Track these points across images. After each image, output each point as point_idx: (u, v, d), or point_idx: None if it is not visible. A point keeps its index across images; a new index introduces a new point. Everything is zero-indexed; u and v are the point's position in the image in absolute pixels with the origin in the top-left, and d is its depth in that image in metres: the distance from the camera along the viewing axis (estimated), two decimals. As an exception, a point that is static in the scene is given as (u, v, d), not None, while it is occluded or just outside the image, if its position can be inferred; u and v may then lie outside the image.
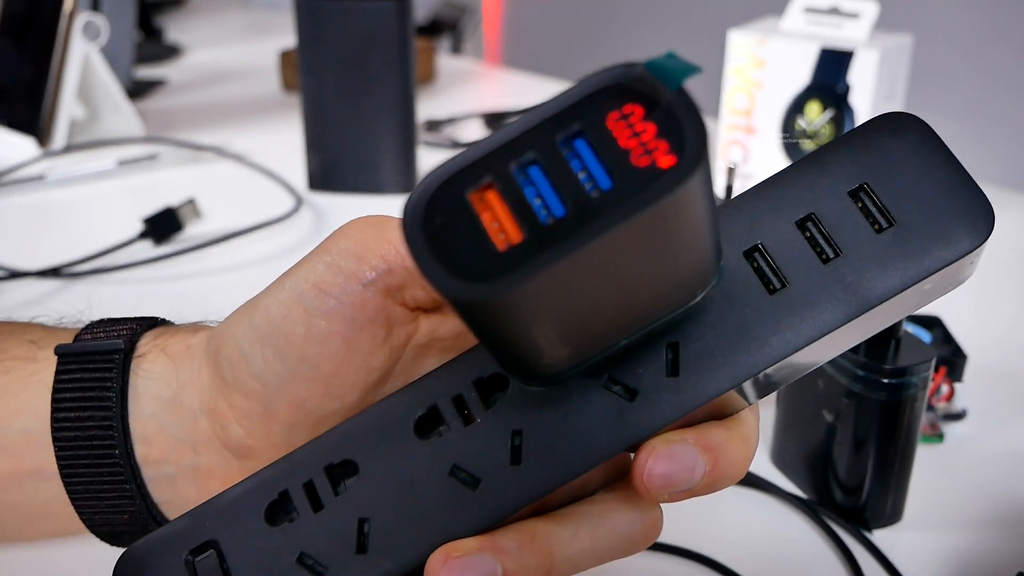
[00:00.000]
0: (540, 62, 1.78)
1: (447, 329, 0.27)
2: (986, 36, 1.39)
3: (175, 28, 1.36)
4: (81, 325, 0.31)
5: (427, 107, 0.99)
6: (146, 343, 0.30)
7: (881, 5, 0.71)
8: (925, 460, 0.44)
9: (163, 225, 0.67)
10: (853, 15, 0.71)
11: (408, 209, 0.18)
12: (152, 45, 1.23)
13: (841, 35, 0.70)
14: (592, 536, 0.24)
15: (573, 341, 0.21)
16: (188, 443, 0.28)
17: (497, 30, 2.14)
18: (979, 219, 0.23)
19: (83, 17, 0.83)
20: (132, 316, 0.31)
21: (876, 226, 0.23)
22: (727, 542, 0.39)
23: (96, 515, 0.29)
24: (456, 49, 1.98)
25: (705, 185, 0.18)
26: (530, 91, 1.09)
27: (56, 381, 0.28)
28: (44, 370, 0.29)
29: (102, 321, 0.31)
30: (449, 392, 0.24)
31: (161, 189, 0.77)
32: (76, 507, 0.28)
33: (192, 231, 0.69)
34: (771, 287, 0.23)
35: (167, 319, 0.32)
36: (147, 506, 0.28)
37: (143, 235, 0.66)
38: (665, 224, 0.18)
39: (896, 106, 0.73)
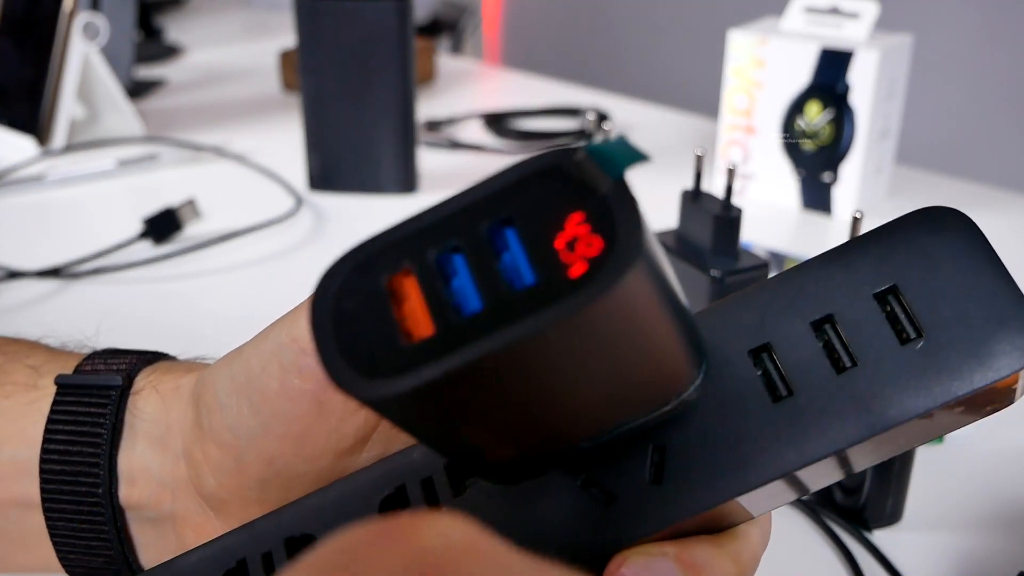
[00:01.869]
0: (540, 62, 1.78)
1: None
2: (986, 36, 1.39)
3: (175, 28, 1.36)
4: (85, 350, 0.31)
5: (427, 107, 0.99)
6: (142, 379, 0.29)
7: (881, 5, 0.71)
8: (925, 460, 0.44)
9: (163, 225, 0.67)
10: (853, 15, 0.71)
11: (319, 289, 0.17)
12: (152, 45, 1.23)
13: (841, 35, 0.70)
14: None
15: (515, 443, 0.19)
16: (168, 487, 0.28)
17: (497, 30, 2.14)
18: (1019, 341, 0.20)
19: (83, 17, 0.83)
20: (134, 349, 0.31)
21: (903, 335, 0.21)
22: (727, 542, 0.39)
23: (72, 554, 0.28)
24: (456, 49, 1.98)
25: (647, 284, 0.16)
26: (530, 91, 1.09)
27: (52, 411, 0.28)
28: (43, 399, 0.29)
29: (104, 352, 0.30)
30: (419, 474, 0.23)
31: (161, 189, 0.77)
32: (54, 543, 0.28)
33: (192, 231, 0.69)
34: (776, 394, 0.21)
35: (168, 354, 0.31)
36: (124, 551, 0.28)
37: (143, 235, 0.66)
38: (596, 327, 0.16)
39: (896, 106, 0.73)
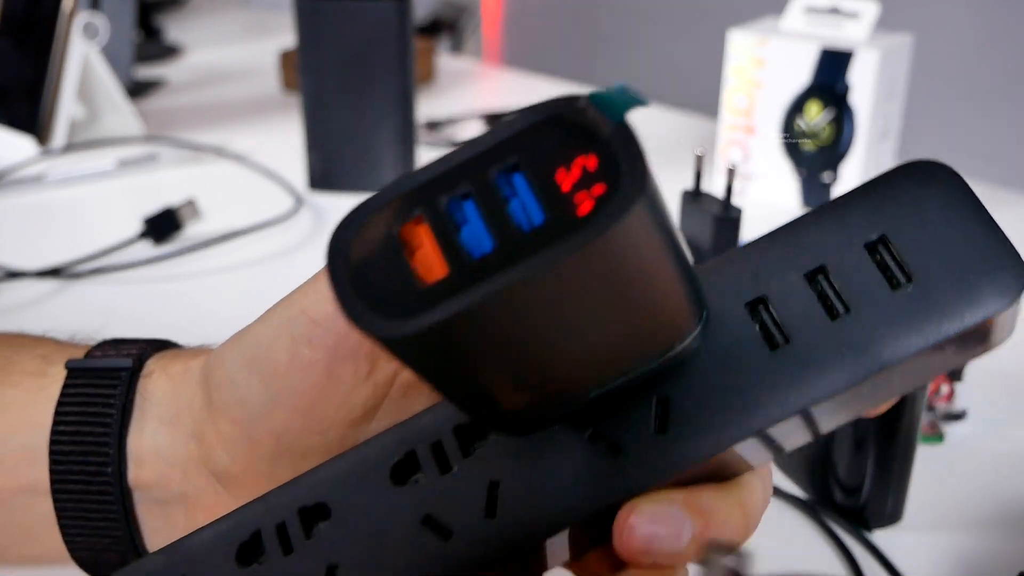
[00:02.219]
0: (540, 62, 1.78)
1: None
2: (986, 36, 1.39)
3: (175, 28, 1.36)
4: (93, 342, 0.31)
5: (427, 107, 0.99)
6: (152, 363, 0.29)
7: (881, 5, 0.71)
8: (925, 460, 0.44)
9: (163, 225, 0.67)
10: (853, 15, 0.71)
11: (333, 238, 0.17)
12: (152, 45, 1.23)
13: (841, 35, 0.70)
14: None
15: (528, 388, 0.20)
16: (178, 467, 0.28)
17: (497, 30, 2.14)
18: (1010, 276, 0.21)
19: (83, 17, 0.83)
20: (143, 338, 0.31)
21: (893, 282, 0.21)
22: (727, 542, 0.39)
23: (78, 537, 0.28)
24: (456, 49, 1.98)
25: (651, 223, 0.17)
26: (530, 91, 1.09)
27: (62, 395, 0.28)
28: (52, 385, 0.29)
29: (113, 340, 0.31)
30: (428, 438, 0.23)
31: (161, 189, 0.77)
32: (61, 526, 0.28)
33: (192, 231, 0.69)
34: (773, 342, 0.22)
35: (176, 342, 0.31)
36: (130, 533, 0.28)
37: (143, 235, 0.66)
38: (604, 264, 0.16)
39: (896, 106, 0.73)
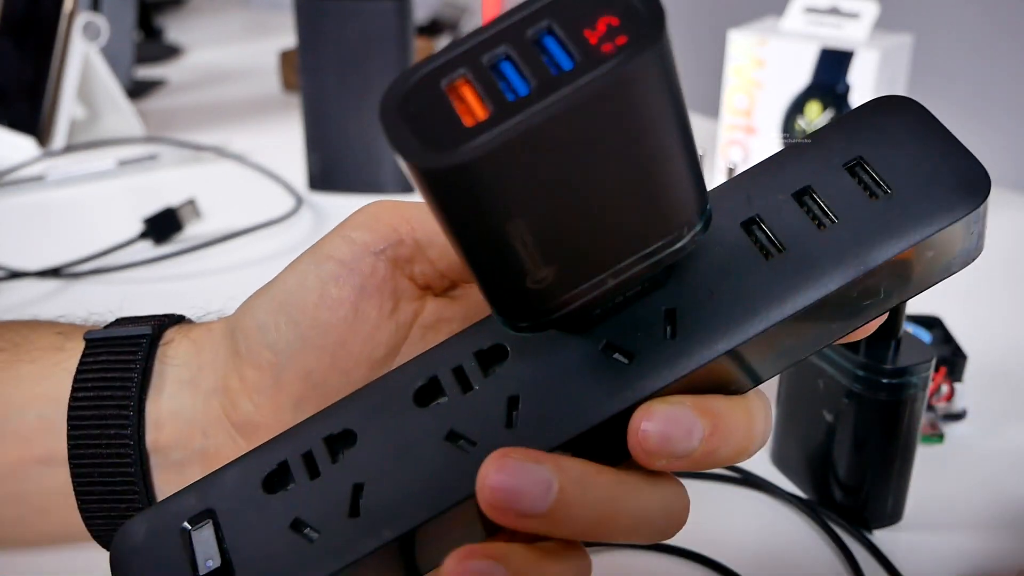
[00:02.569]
0: (540, 62, 1.78)
1: (454, 312, 0.28)
2: (987, 36, 1.39)
3: (175, 28, 1.36)
4: (107, 323, 0.32)
5: (427, 107, 0.99)
6: (172, 332, 0.30)
7: (881, 5, 0.71)
8: (925, 460, 0.44)
9: (163, 225, 0.67)
10: (853, 15, 0.71)
11: (386, 94, 0.19)
12: (152, 45, 1.23)
13: (841, 35, 0.70)
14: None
15: (553, 258, 0.21)
16: (198, 425, 0.28)
17: (497, 30, 2.14)
18: (975, 184, 0.23)
19: (83, 17, 0.83)
20: (159, 314, 0.32)
21: (872, 196, 0.24)
22: (727, 542, 0.39)
23: (95, 505, 0.29)
24: (456, 49, 1.98)
25: (666, 72, 0.19)
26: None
27: (81, 363, 0.29)
28: (70, 359, 0.30)
29: (130, 317, 0.31)
30: (449, 363, 0.25)
31: (161, 189, 0.77)
32: (77, 494, 0.28)
33: (192, 231, 0.69)
34: (768, 254, 0.24)
35: (191, 318, 0.32)
36: (147, 496, 0.28)
37: (143, 235, 0.66)
38: (628, 107, 0.19)
39: (896, 106, 0.73)
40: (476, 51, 0.19)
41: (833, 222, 0.23)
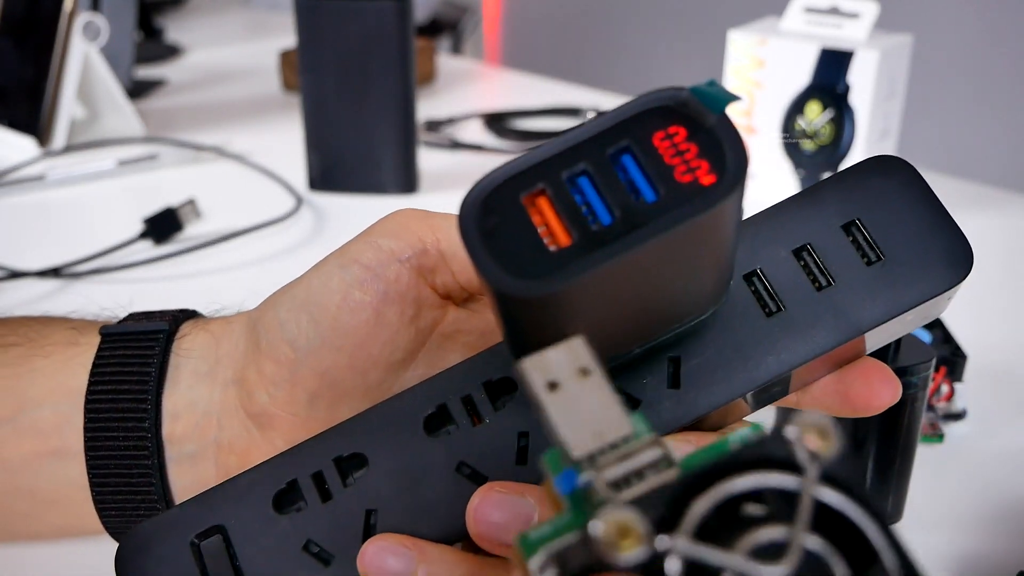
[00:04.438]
0: (540, 62, 1.78)
1: (473, 324, 0.29)
2: (986, 36, 1.39)
3: (175, 28, 1.36)
4: (118, 319, 0.32)
5: (427, 107, 0.99)
6: (189, 326, 0.31)
7: (881, 5, 0.71)
8: (925, 460, 0.44)
9: (163, 225, 0.67)
10: (853, 15, 0.71)
11: (464, 207, 0.19)
12: (152, 45, 1.23)
13: (841, 35, 0.70)
14: None
15: (597, 344, 0.22)
16: (214, 416, 0.29)
17: (497, 30, 2.14)
18: (959, 259, 0.25)
19: (83, 17, 0.83)
20: (172, 309, 0.32)
21: (866, 259, 0.25)
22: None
23: (109, 497, 0.29)
24: (456, 49, 1.98)
25: (740, 205, 0.19)
26: (530, 91, 1.09)
27: (97, 357, 0.30)
28: (85, 353, 0.30)
29: (143, 312, 0.32)
30: (459, 392, 0.25)
31: (161, 189, 0.77)
32: (92, 487, 0.29)
33: (192, 231, 0.69)
34: (768, 310, 0.25)
35: (204, 314, 0.33)
36: (163, 488, 0.28)
37: (143, 235, 0.66)
38: (701, 238, 0.19)
39: (896, 106, 0.73)
40: (554, 164, 0.19)
41: (830, 284, 0.25)
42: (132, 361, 0.29)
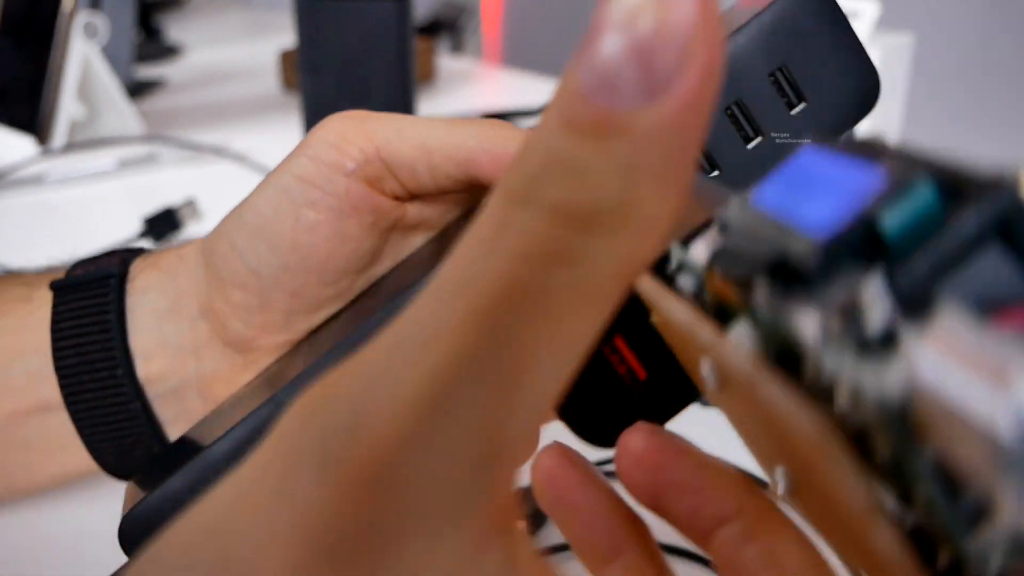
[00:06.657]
0: (540, 62, 1.78)
1: (432, 212, 0.28)
2: (986, 36, 1.39)
3: (175, 28, 1.36)
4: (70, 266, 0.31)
5: (427, 107, 0.99)
6: (139, 264, 0.30)
7: (881, 5, 0.71)
8: (925, 460, 0.44)
9: (163, 225, 0.67)
10: (853, 15, 0.71)
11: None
12: (152, 45, 1.23)
13: (841, 35, 0.70)
14: None
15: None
16: (189, 350, 0.28)
17: (497, 30, 2.14)
18: (871, 92, 0.27)
19: (83, 17, 0.83)
20: (119, 248, 0.31)
21: (790, 106, 0.26)
22: (727, 542, 0.39)
23: (101, 442, 0.29)
24: (456, 49, 1.99)
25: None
26: (530, 91, 1.09)
27: (54, 313, 0.29)
28: (41, 308, 0.29)
29: (90, 257, 0.31)
30: None
31: (161, 189, 0.77)
32: (82, 435, 0.29)
33: (192, 231, 0.68)
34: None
35: (151, 249, 0.32)
36: (152, 426, 0.28)
37: (143, 235, 0.66)
38: None
39: (896, 105, 0.73)
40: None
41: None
42: (90, 311, 0.29)
